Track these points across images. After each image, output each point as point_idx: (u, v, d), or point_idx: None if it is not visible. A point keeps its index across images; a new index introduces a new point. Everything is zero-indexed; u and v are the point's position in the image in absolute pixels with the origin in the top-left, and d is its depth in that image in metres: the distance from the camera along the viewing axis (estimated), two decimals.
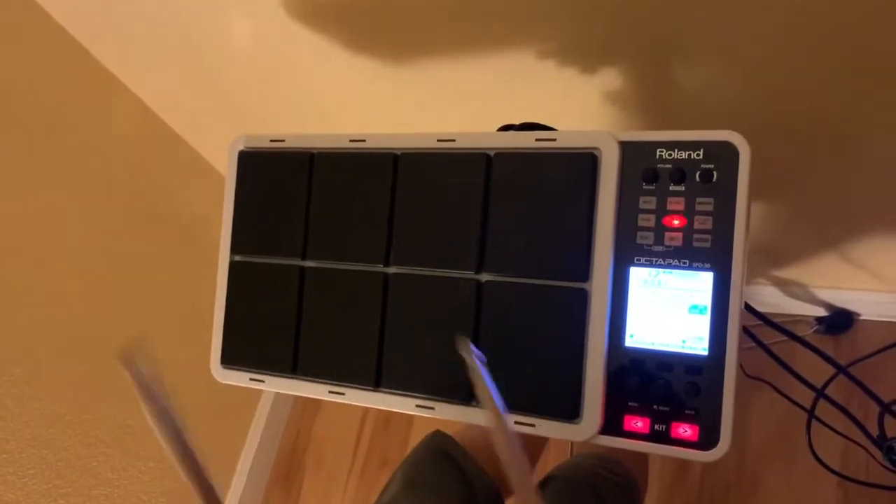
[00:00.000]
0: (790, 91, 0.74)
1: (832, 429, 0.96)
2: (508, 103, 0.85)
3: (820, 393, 0.84)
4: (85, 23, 1.01)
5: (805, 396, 0.89)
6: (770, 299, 1.28)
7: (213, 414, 1.41)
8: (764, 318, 0.72)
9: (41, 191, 1.06)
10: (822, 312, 1.27)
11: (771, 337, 0.74)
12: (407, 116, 0.97)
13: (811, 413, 0.92)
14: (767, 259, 1.19)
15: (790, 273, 1.21)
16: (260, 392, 1.57)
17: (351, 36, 0.83)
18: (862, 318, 1.25)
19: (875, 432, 0.91)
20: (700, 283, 0.50)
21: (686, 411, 0.50)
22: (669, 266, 0.51)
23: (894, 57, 0.66)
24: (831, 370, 0.81)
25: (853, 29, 0.64)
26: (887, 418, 0.88)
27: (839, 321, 1.25)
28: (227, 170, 0.65)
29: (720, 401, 0.49)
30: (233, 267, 0.65)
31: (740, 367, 0.49)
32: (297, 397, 1.63)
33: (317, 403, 1.62)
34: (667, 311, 0.51)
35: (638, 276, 0.52)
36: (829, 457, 1.05)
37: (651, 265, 0.51)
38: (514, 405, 0.53)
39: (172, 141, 1.27)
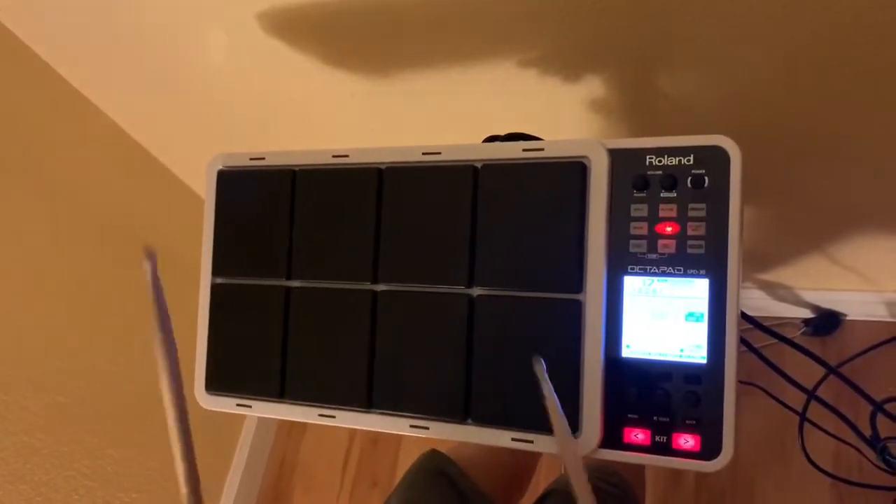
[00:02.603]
0: (775, 94, 0.74)
1: (824, 430, 0.96)
2: (492, 114, 0.84)
3: (811, 395, 0.84)
4: (53, 44, 0.99)
5: (796, 399, 0.89)
6: (756, 302, 1.28)
7: (195, 439, 1.38)
8: (754, 322, 0.72)
9: (11, 217, 1.03)
10: (808, 314, 1.27)
11: (759, 340, 0.74)
12: (390, 130, 0.96)
13: (803, 416, 0.91)
14: (753, 262, 1.19)
15: (775, 275, 1.21)
16: (243, 416, 1.54)
17: (330, 50, 0.82)
18: (848, 318, 1.26)
19: (866, 432, 0.91)
20: (696, 291, 0.49)
21: (687, 421, 0.49)
22: (664, 274, 0.50)
23: (878, 59, 0.66)
24: (820, 372, 0.81)
25: (837, 31, 0.64)
26: (879, 417, 0.88)
27: (826, 322, 1.25)
28: (206, 190, 0.63)
29: (721, 409, 0.48)
30: (215, 290, 0.63)
31: None
32: (282, 419, 1.60)
33: (303, 425, 1.59)
34: (663, 319, 0.50)
35: (632, 285, 0.51)
36: (822, 458, 1.05)
37: (645, 273, 0.50)
38: (511, 421, 0.52)
39: (146, 162, 1.25)
